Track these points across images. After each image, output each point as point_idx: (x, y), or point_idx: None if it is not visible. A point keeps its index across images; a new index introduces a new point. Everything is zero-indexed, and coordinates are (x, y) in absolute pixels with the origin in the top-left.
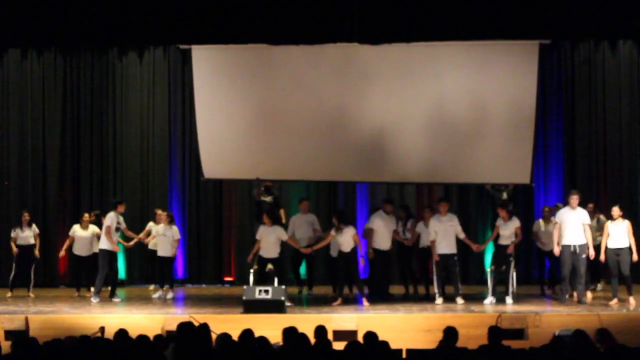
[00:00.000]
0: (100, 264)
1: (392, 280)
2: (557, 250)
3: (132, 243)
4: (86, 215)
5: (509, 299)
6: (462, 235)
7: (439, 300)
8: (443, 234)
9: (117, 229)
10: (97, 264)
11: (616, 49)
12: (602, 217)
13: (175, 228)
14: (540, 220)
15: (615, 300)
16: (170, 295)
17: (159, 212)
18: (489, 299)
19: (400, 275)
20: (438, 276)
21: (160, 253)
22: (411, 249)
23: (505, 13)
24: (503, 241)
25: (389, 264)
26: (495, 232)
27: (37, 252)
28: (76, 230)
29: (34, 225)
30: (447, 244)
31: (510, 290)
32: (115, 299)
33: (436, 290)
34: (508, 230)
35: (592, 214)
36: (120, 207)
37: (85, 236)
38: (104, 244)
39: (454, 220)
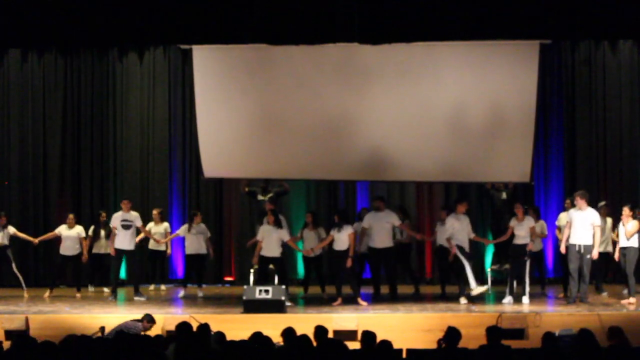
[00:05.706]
0: (112, 263)
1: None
2: (563, 249)
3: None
4: (71, 215)
5: (525, 299)
6: (472, 235)
7: (464, 300)
8: (458, 233)
9: (129, 227)
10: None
11: (616, 49)
12: (608, 219)
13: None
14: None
15: (631, 300)
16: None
17: (156, 211)
18: (507, 299)
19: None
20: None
21: (191, 251)
22: (409, 248)
23: (505, 13)
24: (518, 240)
25: (387, 263)
26: (510, 231)
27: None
28: (62, 230)
29: (9, 227)
30: (461, 243)
31: (527, 290)
32: (138, 298)
33: (472, 287)
34: (523, 229)
35: (604, 216)
36: (123, 206)
37: (71, 236)
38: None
39: (466, 220)
